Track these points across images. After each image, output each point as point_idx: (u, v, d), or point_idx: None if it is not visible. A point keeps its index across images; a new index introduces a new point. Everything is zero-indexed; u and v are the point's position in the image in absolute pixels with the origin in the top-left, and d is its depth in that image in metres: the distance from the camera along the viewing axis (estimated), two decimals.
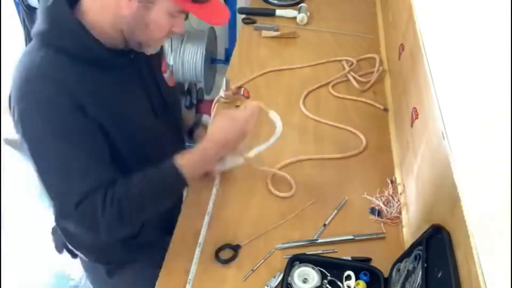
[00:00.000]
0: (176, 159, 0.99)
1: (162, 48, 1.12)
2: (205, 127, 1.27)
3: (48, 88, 0.89)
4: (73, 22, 0.91)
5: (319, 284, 1.04)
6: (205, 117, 1.31)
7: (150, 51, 1.00)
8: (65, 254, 1.27)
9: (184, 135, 1.30)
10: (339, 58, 1.74)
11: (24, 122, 0.91)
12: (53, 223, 1.23)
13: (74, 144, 0.91)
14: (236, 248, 1.13)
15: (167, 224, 1.18)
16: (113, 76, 0.98)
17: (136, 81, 1.05)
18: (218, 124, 1.08)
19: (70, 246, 1.22)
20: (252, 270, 1.10)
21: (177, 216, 1.20)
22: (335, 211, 1.23)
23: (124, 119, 1.00)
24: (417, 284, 0.93)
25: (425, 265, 0.92)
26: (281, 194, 1.26)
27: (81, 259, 1.28)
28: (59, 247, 1.26)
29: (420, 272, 0.93)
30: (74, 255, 1.26)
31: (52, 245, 1.28)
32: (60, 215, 0.99)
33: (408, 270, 0.97)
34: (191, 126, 1.30)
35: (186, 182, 1.00)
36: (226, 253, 1.12)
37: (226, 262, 1.10)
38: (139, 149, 1.05)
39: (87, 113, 0.92)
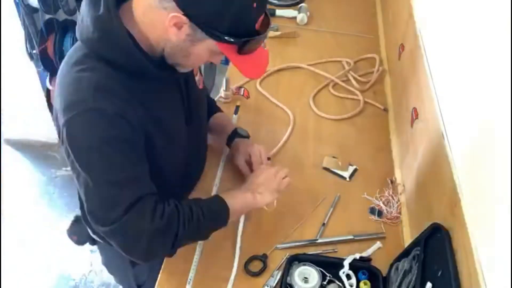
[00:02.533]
0: (226, 201, 1.06)
1: None
2: (241, 136, 1.32)
3: (97, 99, 0.89)
4: (124, 36, 0.90)
5: (319, 283, 1.04)
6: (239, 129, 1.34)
7: (183, 71, 1.01)
8: (71, 248, 1.28)
9: (221, 142, 1.34)
10: (339, 58, 1.74)
11: (71, 130, 0.90)
12: (76, 215, 1.26)
13: (121, 154, 0.92)
14: (263, 259, 1.12)
15: None
16: (156, 86, 0.99)
17: (175, 89, 1.06)
18: (260, 175, 1.16)
19: (96, 237, 1.21)
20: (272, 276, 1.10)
21: None
22: (331, 208, 1.24)
23: (165, 127, 1.01)
24: (412, 283, 0.93)
25: (422, 265, 0.93)
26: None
27: (102, 250, 1.33)
28: (82, 240, 1.27)
29: (416, 272, 0.93)
30: (93, 242, 1.26)
31: (68, 239, 1.31)
32: (103, 223, 0.93)
33: (405, 270, 0.97)
34: (230, 134, 1.31)
35: (226, 224, 1.07)
36: (255, 265, 1.12)
37: (257, 274, 1.09)
38: (174, 156, 1.08)
39: (134, 126, 0.92)
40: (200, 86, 1.19)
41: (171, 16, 0.85)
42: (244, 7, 0.86)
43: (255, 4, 0.87)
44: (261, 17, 0.90)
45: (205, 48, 0.92)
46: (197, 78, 1.16)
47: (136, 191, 0.94)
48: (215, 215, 1.04)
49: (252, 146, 1.27)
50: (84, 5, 0.93)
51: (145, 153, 0.98)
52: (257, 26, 0.90)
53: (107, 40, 0.90)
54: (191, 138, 1.14)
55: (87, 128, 0.90)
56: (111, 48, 0.91)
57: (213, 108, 1.37)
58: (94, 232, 1.19)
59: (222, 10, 0.85)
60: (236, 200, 1.08)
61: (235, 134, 1.31)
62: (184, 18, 0.85)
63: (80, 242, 1.29)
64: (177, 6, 0.84)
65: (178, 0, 0.84)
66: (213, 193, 1.27)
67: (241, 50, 0.91)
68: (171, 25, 0.87)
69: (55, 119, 0.96)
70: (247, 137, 1.33)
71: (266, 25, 0.92)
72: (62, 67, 0.96)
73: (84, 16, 0.92)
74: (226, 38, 0.87)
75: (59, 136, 0.94)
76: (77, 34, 0.94)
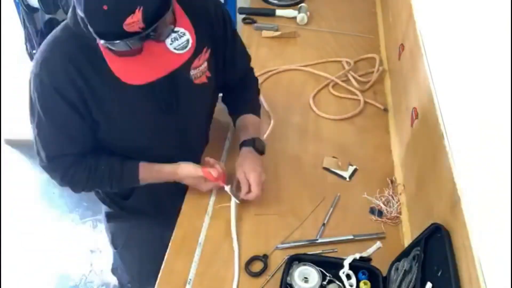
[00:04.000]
0: (139, 165, 1.18)
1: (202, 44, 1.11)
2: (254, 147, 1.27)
3: (41, 69, 1.02)
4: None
5: (319, 283, 1.04)
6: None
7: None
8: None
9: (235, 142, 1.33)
10: (339, 58, 1.74)
11: (30, 82, 1.05)
12: (72, 216, 1.44)
13: (51, 118, 1.07)
14: (264, 259, 1.12)
15: (155, 201, 1.33)
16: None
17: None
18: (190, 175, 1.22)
19: None
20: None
21: (165, 196, 1.29)
22: (331, 208, 1.24)
23: (124, 109, 1.09)
24: (412, 283, 0.93)
25: (422, 265, 0.93)
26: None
27: None
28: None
29: (416, 272, 0.93)
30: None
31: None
32: (39, 157, 1.15)
33: (405, 270, 0.97)
34: (241, 143, 1.27)
35: (138, 184, 1.21)
36: (256, 265, 1.12)
37: (258, 274, 1.09)
38: (140, 140, 1.17)
39: (69, 101, 1.04)
40: (196, 81, 1.15)
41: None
42: (91, 11, 0.87)
43: (105, 7, 0.85)
44: (128, 18, 0.86)
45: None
46: (194, 71, 1.14)
47: (57, 149, 1.12)
48: (123, 183, 1.19)
49: (246, 173, 1.20)
50: None
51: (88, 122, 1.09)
52: (126, 27, 0.86)
53: (80, 25, 0.96)
54: (173, 127, 1.18)
55: (33, 88, 1.05)
56: (84, 31, 0.95)
57: (245, 106, 1.34)
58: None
59: (82, 11, 0.88)
60: (149, 179, 1.21)
61: (245, 143, 1.26)
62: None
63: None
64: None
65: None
66: (213, 194, 1.27)
67: (112, 52, 0.92)
68: None
69: None
70: (261, 151, 1.27)
71: (147, 24, 0.87)
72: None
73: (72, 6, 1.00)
74: (96, 37, 0.89)
75: None
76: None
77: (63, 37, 1.03)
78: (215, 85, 1.24)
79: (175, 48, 0.95)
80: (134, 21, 0.86)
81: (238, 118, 1.32)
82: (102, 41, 0.90)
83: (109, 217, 1.40)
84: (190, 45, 0.97)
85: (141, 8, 0.86)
